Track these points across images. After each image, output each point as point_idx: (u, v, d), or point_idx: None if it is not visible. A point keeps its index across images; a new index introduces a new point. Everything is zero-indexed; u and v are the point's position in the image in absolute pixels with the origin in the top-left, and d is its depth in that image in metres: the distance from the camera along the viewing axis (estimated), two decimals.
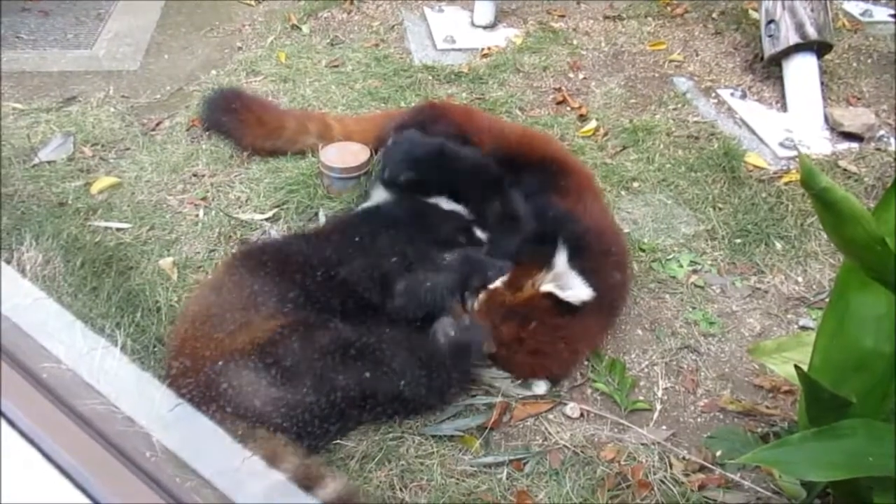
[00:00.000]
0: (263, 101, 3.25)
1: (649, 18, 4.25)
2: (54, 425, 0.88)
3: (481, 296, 2.23)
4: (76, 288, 2.34)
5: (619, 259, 2.40)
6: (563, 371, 2.21)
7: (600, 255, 2.32)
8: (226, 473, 0.96)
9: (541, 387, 2.18)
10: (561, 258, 2.25)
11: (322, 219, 2.71)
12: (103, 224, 2.69)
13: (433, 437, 2.02)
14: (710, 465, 1.96)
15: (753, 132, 3.33)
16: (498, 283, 2.24)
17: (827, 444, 1.34)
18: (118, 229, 2.68)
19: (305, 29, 4.11)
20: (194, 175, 2.97)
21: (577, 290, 2.18)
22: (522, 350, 2.15)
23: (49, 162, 2.98)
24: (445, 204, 2.51)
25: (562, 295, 2.16)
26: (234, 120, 3.05)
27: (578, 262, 2.25)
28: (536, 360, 2.16)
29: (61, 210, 2.71)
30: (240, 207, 2.81)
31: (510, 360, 2.18)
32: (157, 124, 3.30)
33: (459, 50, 3.92)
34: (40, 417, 0.88)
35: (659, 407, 2.16)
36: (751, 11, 4.11)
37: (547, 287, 2.19)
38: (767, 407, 2.14)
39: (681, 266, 2.63)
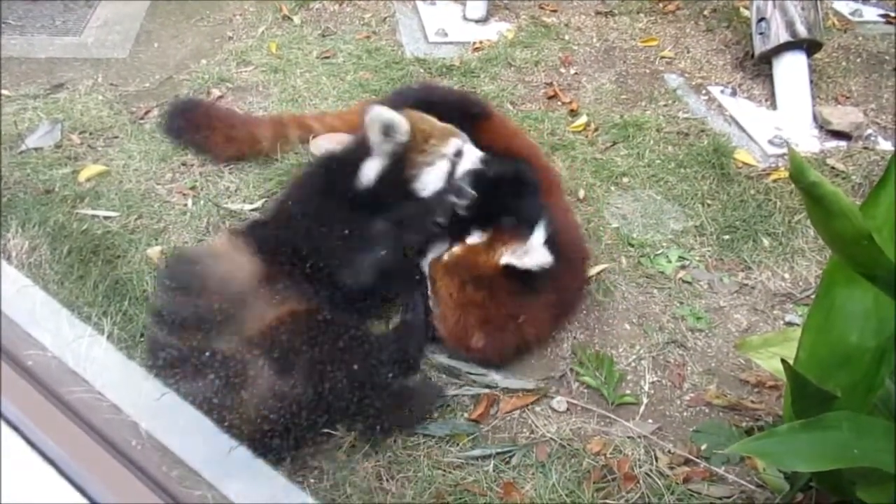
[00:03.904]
0: (227, 114, 3.13)
1: (641, 15, 4.26)
2: (39, 413, 0.87)
3: (456, 248, 2.20)
4: (62, 276, 2.33)
5: (579, 267, 2.43)
6: (497, 354, 2.20)
7: (563, 259, 2.30)
8: (212, 462, 0.95)
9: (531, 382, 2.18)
10: (538, 235, 2.22)
11: None
12: (90, 212, 2.67)
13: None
14: (695, 459, 1.98)
15: (743, 129, 3.35)
16: (476, 240, 2.21)
17: (814, 436, 1.35)
18: (105, 217, 2.66)
19: (297, 20, 4.08)
20: (183, 164, 2.96)
21: (534, 255, 2.13)
22: (474, 316, 2.15)
23: (36, 149, 2.96)
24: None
25: (518, 263, 2.13)
26: (201, 135, 2.95)
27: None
28: (482, 331, 2.15)
29: (48, 197, 2.69)
30: (228, 197, 2.80)
31: (457, 322, 2.16)
32: (146, 113, 3.27)
33: (451, 43, 3.91)
34: (25, 405, 0.87)
35: (645, 401, 2.17)
36: (742, 9, 4.12)
37: (506, 259, 2.15)
38: (753, 402, 2.16)
39: (669, 261, 2.64)
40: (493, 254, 2.19)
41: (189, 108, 3.04)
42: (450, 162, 2.31)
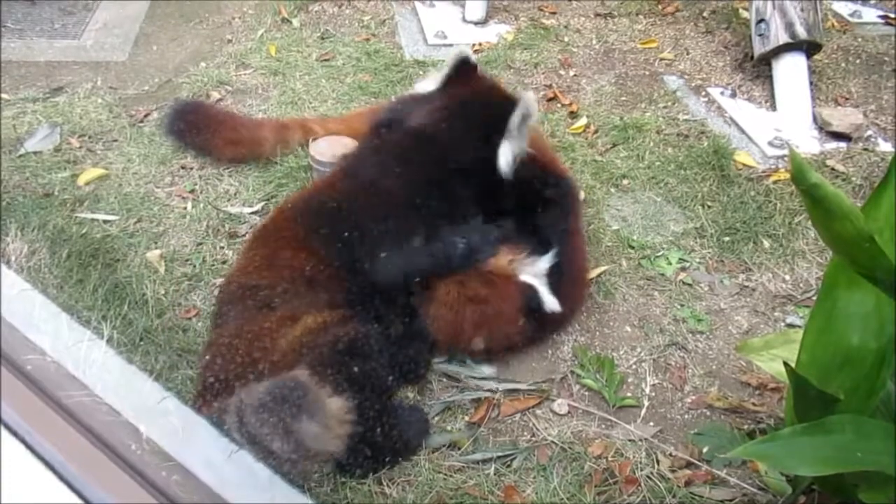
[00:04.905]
0: (231, 117, 3.12)
1: (640, 16, 4.26)
2: (38, 417, 0.87)
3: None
4: (62, 280, 2.32)
5: (578, 291, 2.42)
6: (493, 351, 2.22)
7: (567, 280, 2.33)
8: (212, 466, 0.95)
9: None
10: (544, 262, 2.26)
11: None
12: (90, 216, 2.67)
13: None
14: (696, 462, 1.98)
15: (743, 131, 3.35)
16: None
17: (816, 439, 1.35)
18: (105, 221, 2.66)
19: (296, 22, 4.08)
20: (182, 167, 2.95)
21: (550, 301, 2.22)
22: (471, 314, 2.15)
23: (35, 152, 2.96)
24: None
25: (542, 293, 2.19)
26: (203, 137, 2.94)
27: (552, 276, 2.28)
28: (479, 329, 2.16)
29: (47, 201, 2.69)
30: (228, 200, 2.80)
31: (453, 321, 2.16)
32: (146, 116, 3.27)
33: (451, 45, 3.90)
34: (24, 409, 0.87)
35: (646, 403, 2.17)
36: (741, 10, 4.12)
37: (531, 280, 2.21)
38: (754, 404, 2.16)
39: (669, 263, 2.64)
40: (500, 257, 2.22)
41: (191, 110, 3.04)
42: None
